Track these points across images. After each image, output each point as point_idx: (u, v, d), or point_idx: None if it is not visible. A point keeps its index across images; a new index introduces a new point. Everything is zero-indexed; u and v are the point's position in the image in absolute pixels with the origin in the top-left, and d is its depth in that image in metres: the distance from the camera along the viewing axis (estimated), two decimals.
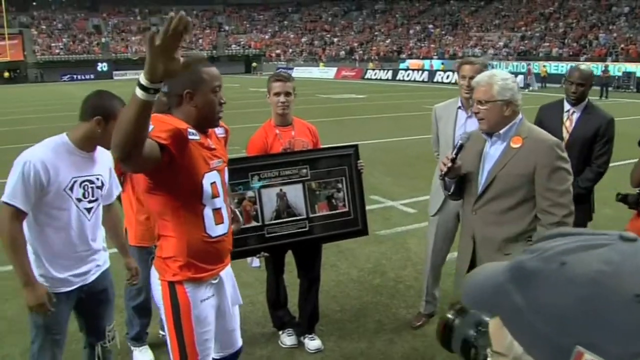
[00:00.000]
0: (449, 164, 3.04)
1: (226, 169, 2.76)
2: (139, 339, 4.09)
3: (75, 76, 57.72)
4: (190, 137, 2.37)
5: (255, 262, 4.13)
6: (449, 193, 3.24)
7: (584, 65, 4.46)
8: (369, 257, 6.16)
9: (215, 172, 2.54)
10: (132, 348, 4.10)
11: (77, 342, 3.65)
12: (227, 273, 2.78)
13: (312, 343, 4.21)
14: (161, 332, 4.38)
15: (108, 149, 2.79)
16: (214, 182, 2.52)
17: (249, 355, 4.10)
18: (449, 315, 1.00)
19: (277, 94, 3.94)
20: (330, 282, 5.32)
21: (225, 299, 2.75)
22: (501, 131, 3.00)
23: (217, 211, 2.56)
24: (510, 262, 0.81)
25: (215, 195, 2.53)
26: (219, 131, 2.75)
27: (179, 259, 2.50)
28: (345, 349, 4.22)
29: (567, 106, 4.40)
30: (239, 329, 2.93)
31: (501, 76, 2.96)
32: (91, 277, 3.07)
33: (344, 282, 5.50)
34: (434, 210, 4.42)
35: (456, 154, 3.05)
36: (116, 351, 3.57)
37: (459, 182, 3.18)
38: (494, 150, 3.06)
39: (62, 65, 59.32)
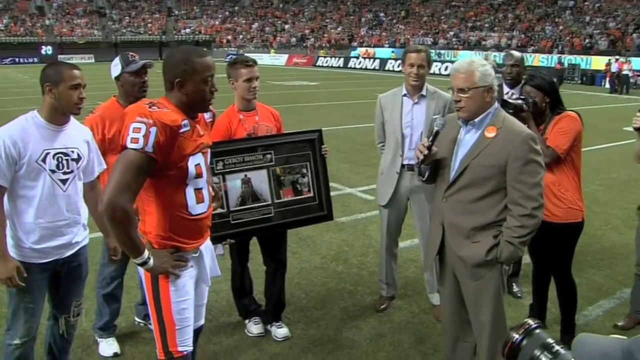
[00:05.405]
0: (426, 152, 3.02)
1: (209, 150, 2.81)
2: (106, 329, 3.98)
3: (17, 59, 55.50)
4: (182, 129, 2.45)
5: (220, 249, 4.02)
6: (424, 179, 3.21)
7: (514, 51, 5.06)
8: (330, 244, 6.14)
9: (199, 154, 2.60)
10: (99, 339, 3.99)
11: None
12: (206, 246, 2.82)
13: (280, 331, 4.15)
14: (137, 319, 4.30)
15: (70, 112, 2.98)
16: (198, 164, 2.59)
17: (216, 345, 4.03)
18: (516, 335, 1.21)
19: (249, 80, 3.87)
20: (293, 269, 5.25)
21: (204, 274, 2.81)
22: (476, 119, 2.98)
23: (198, 191, 2.63)
24: (624, 345, 1.01)
25: (198, 176, 2.59)
26: (207, 115, 2.81)
27: (160, 233, 2.57)
28: (313, 336, 4.18)
29: (506, 89, 4.86)
30: (204, 307, 2.98)
31: (480, 62, 2.95)
32: (68, 252, 3.11)
33: (307, 269, 5.46)
34: (385, 201, 4.44)
35: (432, 141, 3.03)
36: (80, 327, 3.64)
37: (432, 168, 3.15)
38: (468, 138, 3.03)
39: (3, 48, 56.69)
